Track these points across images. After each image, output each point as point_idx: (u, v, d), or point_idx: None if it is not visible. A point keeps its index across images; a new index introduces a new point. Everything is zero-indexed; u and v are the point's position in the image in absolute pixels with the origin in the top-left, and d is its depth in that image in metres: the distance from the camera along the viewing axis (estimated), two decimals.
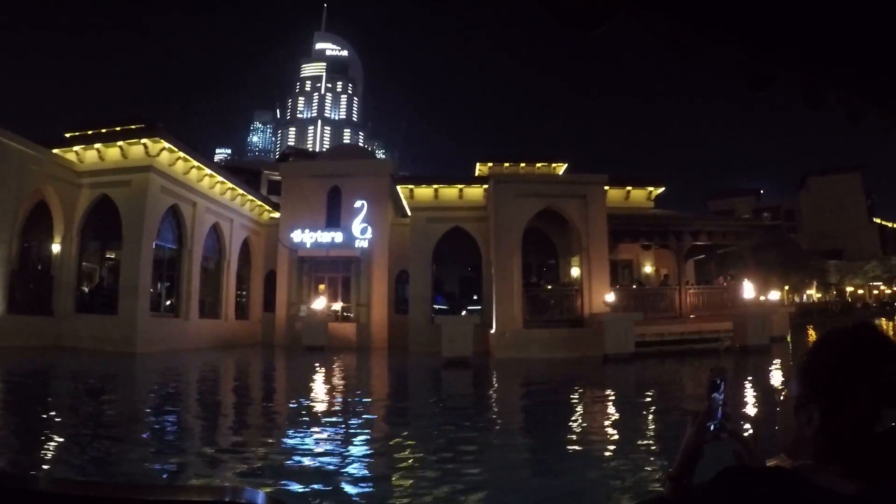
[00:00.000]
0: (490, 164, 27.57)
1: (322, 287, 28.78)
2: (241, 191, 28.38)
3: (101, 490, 1.13)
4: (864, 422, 1.08)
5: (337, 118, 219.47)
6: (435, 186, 24.89)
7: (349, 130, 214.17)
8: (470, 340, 18.47)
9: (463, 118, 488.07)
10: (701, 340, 20.63)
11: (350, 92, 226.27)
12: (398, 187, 25.58)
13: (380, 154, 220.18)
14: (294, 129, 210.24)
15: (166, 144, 22.49)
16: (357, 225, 27.44)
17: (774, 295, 27.77)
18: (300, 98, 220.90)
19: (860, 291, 62.57)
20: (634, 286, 22.29)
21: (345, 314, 27.83)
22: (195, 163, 24.53)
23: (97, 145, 22.81)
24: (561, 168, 27.87)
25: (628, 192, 25.09)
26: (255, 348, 26.02)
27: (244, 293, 30.26)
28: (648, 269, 24.81)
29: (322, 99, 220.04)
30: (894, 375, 1.08)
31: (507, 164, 27.52)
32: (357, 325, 26.93)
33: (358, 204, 27.44)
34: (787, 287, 55.44)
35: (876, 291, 62.74)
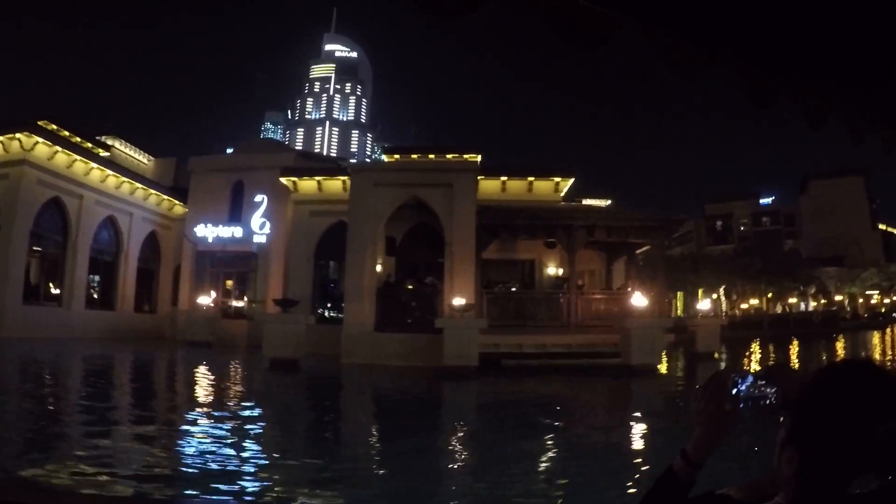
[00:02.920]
0: (397, 156, 25.77)
1: (229, 283, 27.65)
2: (140, 185, 27.34)
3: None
4: (842, 481, 0.99)
5: (345, 119, 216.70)
6: (318, 179, 23.17)
7: (357, 132, 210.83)
8: (300, 341, 17.17)
9: (473, 121, 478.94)
10: (595, 355, 18.09)
11: (359, 93, 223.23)
12: (281, 179, 23.85)
13: (388, 157, 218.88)
14: (302, 130, 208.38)
15: (40, 139, 22.50)
16: (256, 220, 26.17)
17: (705, 304, 25.08)
18: (309, 99, 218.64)
19: (860, 300, 58.49)
20: (514, 288, 19.96)
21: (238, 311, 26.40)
22: (77, 157, 23.74)
23: None
24: (475, 160, 25.84)
25: (531, 183, 22.86)
26: (143, 341, 24.77)
27: (151, 286, 29.50)
28: (552, 269, 22.49)
29: (331, 100, 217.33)
30: (890, 437, 0.95)
31: (415, 156, 25.64)
32: (250, 323, 25.35)
33: (258, 198, 26.09)
34: (769, 295, 52.10)
35: (874, 301, 58.48)
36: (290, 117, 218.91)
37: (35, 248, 23.25)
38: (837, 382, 1.03)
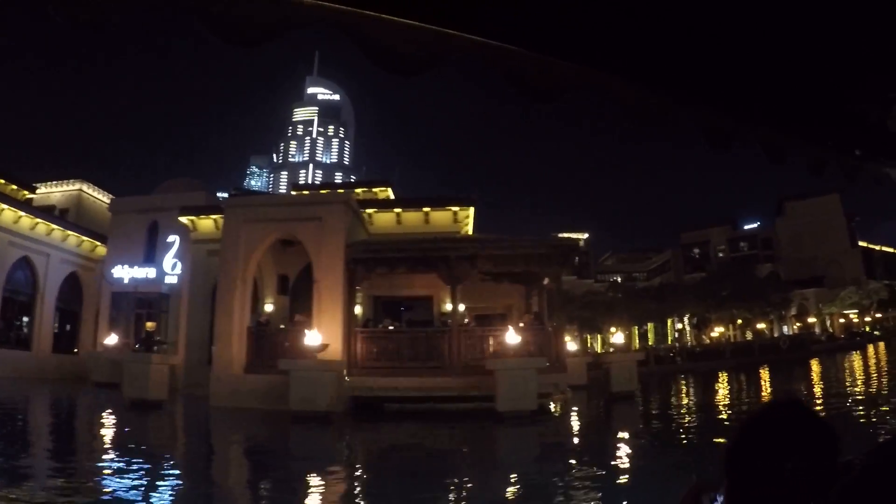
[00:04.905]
0: (306, 193, 25.53)
1: (151, 325, 27.28)
2: (56, 226, 27.37)
3: None
4: None
5: (328, 161, 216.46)
6: (213, 217, 22.84)
7: (341, 174, 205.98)
8: (163, 382, 17.05)
9: (458, 162, 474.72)
10: (481, 398, 16.52)
11: (342, 135, 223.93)
12: (181, 219, 23.65)
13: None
14: (286, 172, 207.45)
15: None
16: (168, 261, 25.99)
17: (619, 337, 24.03)
18: (292, 142, 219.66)
19: (841, 321, 56.69)
20: (392, 327, 19.16)
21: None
22: None
23: None
24: (386, 193, 25.59)
25: (427, 214, 22.37)
26: (55, 382, 24.65)
27: (73, 327, 29.57)
28: (451, 306, 21.72)
29: (314, 142, 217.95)
30: (798, 474, 1.01)
31: (325, 192, 25.40)
32: None
33: (170, 239, 25.92)
34: (739, 321, 50.66)
35: (843, 320, 56.65)
36: (274, 160, 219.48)
37: None
38: (750, 425, 1.10)
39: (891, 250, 66.70)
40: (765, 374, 31.49)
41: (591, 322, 41.55)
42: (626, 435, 14.02)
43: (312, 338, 16.15)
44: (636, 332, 51.15)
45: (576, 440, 13.83)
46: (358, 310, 20.80)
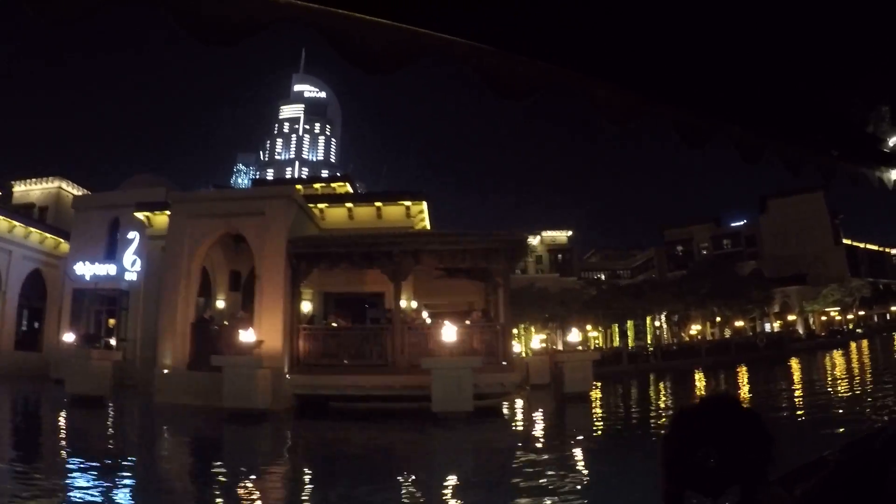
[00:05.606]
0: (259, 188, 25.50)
1: (112, 321, 27.36)
2: (17, 223, 27.35)
3: None
4: (673, 500, 1.13)
5: (315, 159, 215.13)
6: (168, 213, 22.77)
7: (327, 171, 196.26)
8: (105, 377, 17.20)
9: (446, 160, 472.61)
10: (425, 398, 15.91)
11: (328, 133, 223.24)
12: (136, 214, 23.65)
13: None
14: (272, 170, 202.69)
15: None
16: (128, 257, 25.95)
17: (574, 337, 23.82)
18: (278, 139, 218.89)
19: (823, 318, 56.65)
20: (335, 324, 19.04)
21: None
22: None
23: None
24: (345, 189, 25.56)
25: (379, 209, 22.32)
26: (16, 379, 24.38)
27: (38, 324, 29.50)
28: (402, 302, 21.67)
29: (300, 140, 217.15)
30: (706, 459, 1.08)
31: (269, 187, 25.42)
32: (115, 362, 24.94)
33: (131, 235, 25.90)
34: (718, 319, 50.56)
35: (825, 318, 56.61)
36: (261, 158, 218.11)
37: None
38: (674, 418, 1.18)
39: (875, 248, 66.77)
40: (738, 374, 31.27)
41: (568, 320, 41.46)
42: (555, 447, 12.80)
43: (246, 334, 16.12)
44: (616, 329, 51.10)
45: (497, 452, 12.39)
46: (308, 306, 20.82)
